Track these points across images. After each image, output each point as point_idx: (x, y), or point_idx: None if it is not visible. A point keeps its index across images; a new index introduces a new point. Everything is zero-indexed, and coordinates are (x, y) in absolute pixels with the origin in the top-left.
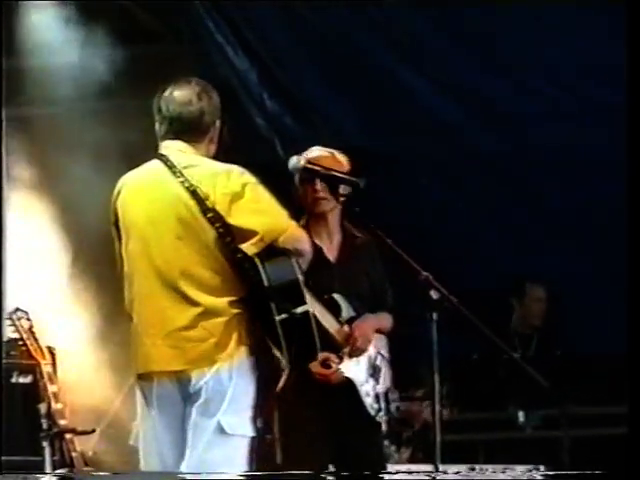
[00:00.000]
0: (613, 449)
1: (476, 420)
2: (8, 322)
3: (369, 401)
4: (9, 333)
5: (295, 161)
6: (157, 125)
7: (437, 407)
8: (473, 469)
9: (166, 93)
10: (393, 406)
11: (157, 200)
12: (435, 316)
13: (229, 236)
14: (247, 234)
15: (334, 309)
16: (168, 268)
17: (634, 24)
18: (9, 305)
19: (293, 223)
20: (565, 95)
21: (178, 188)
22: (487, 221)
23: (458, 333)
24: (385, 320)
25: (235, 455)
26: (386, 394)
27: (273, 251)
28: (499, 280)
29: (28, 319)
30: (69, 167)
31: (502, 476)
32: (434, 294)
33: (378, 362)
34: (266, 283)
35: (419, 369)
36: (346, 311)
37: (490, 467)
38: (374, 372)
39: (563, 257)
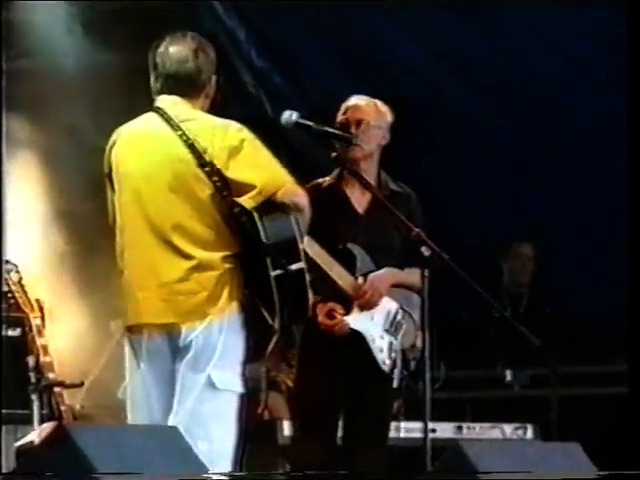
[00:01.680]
0: (601, 408)
1: (464, 378)
2: None
3: (381, 357)
4: None
5: (287, 116)
6: (152, 80)
7: (427, 364)
8: (460, 427)
9: (161, 49)
10: (412, 364)
11: (152, 152)
12: (427, 272)
13: (226, 190)
14: (245, 188)
15: (348, 260)
16: (161, 221)
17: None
18: None
19: (291, 179)
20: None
21: (175, 141)
22: (474, 182)
23: (448, 290)
24: (412, 276)
25: (225, 410)
26: (403, 351)
27: (271, 207)
28: (488, 239)
29: (17, 272)
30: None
31: (490, 434)
32: (425, 250)
33: (399, 318)
34: (263, 238)
35: None
36: (362, 263)
37: (478, 425)
38: (392, 328)
39: (552, 214)
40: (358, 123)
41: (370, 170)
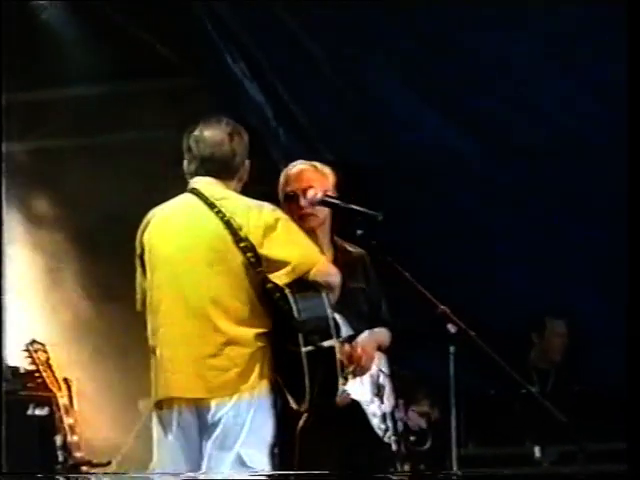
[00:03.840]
0: None
1: (493, 455)
2: (25, 354)
3: (376, 422)
4: (26, 365)
5: (312, 194)
6: (186, 163)
7: (453, 441)
8: None
9: (196, 132)
10: (400, 425)
11: (190, 228)
12: (452, 350)
13: (260, 266)
14: (279, 265)
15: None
16: (197, 296)
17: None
18: (26, 337)
19: (323, 258)
20: None
21: (212, 218)
22: (506, 255)
23: (475, 367)
24: (384, 336)
25: None
26: (392, 413)
27: (304, 285)
28: (517, 315)
29: (45, 351)
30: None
31: None
32: (451, 328)
33: (381, 380)
34: (296, 314)
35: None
36: (345, 330)
37: None
38: (378, 391)
39: (581, 291)
40: (305, 192)
41: (324, 235)
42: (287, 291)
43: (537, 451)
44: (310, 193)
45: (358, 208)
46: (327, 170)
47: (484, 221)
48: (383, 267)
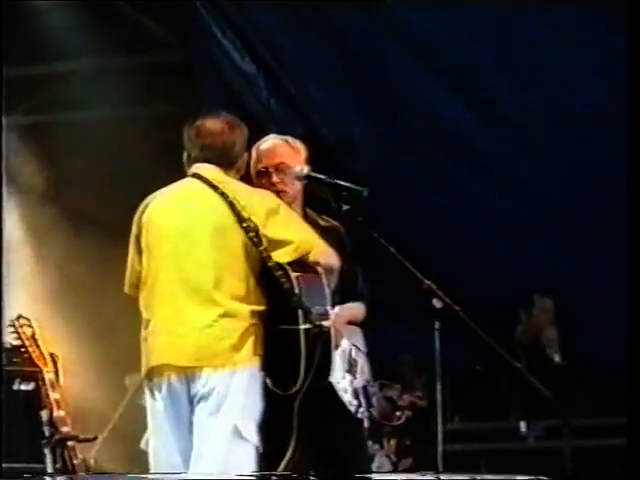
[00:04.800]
0: (615, 460)
1: (479, 430)
2: (10, 329)
3: (347, 398)
4: (11, 340)
5: (298, 170)
6: (185, 154)
7: (439, 417)
8: (474, 479)
9: (197, 123)
10: (374, 400)
11: (193, 208)
12: (438, 325)
13: (262, 245)
14: (282, 244)
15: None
16: (197, 273)
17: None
18: (11, 312)
19: (324, 242)
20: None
21: (215, 198)
22: (493, 230)
23: (461, 343)
24: (357, 310)
25: (249, 461)
26: (365, 388)
27: (304, 266)
28: (504, 290)
29: (30, 326)
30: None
31: None
32: (437, 303)
33: (354, 355)
34: (296, 290)
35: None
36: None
37: (491, 477)
38: (350, 367)
39: (569, 268)
40: (277, 168)
41: (297, 211)
42: (289, 269)
43: (523, 426)
44: (297, 169)
45: (343, 183)
46: (299, 145)
47: (472, 196)
48: (369, 242)
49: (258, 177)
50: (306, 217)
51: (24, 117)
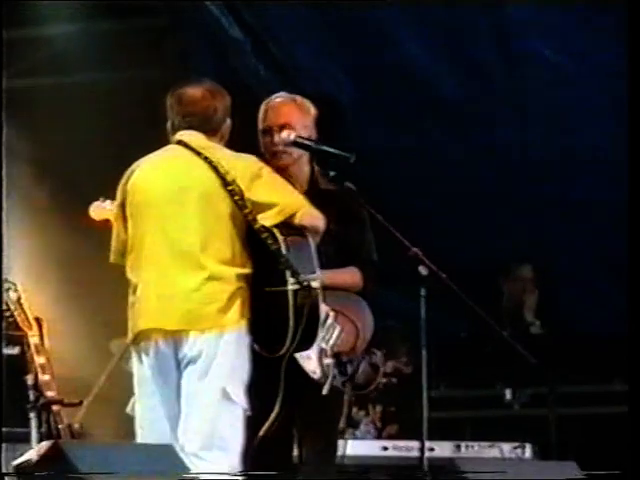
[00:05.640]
0: (600, 427)
1: (464, 397)
2: None
3: (310, 366)
4: None
5: (285, 135)
6: (169, 123)
7: (424, 384)
8: (459, 446)
9: (178, 91)
10: (348, 368)
11: (177, 174)
12: (424, 292)
13: (247, 208)
14: (267, 207)
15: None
16: (183, 237)
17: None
18: None
19: (308, 203)
20: None
21: (199, 163)
22: (479, 197)
23: (447, 310)
24: (346, 276)
25: (238, 423)
26: (337, 355)
27: (290, 228)
28: (488, 258)
29: (16, 290)
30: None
31: (488, 453)
32: (423, 270)
33: (330, 322)
34: (284, 251)
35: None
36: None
37: (476, 444)
38: (322, 333)
39: (551, 233)
40: (281, 128)
41: (300, 173)
42: (275, 231)
43: (508, 393)
44: (283, 134)
45: (330, 149)
46: (308, 104)
47: (460, 164)
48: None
49: (263, 135)
50: (311, 181)
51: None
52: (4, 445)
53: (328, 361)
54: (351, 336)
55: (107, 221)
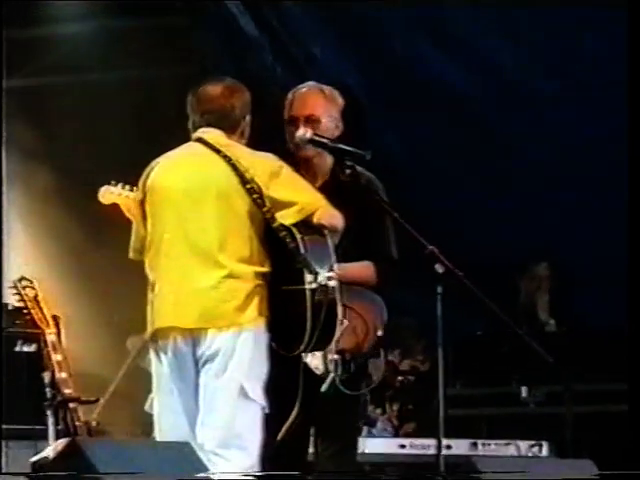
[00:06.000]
0: (616, 426)
1: (480, 395)
2: (13, 291)
3: (315, 362)
4: (14, 302)
5: (301, 133)
6: (190, 122)
7: (441, 382)
8: (475, 444)
9: (198, 90)
10: (352, 366)
11: (197, 171)
12: (440, 290)
13: (266, 207)
14: (286, 205)
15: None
16: (201, 235)
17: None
18: (14, 274)
19: (327, 202)
20: None
21: (218, 161)
22: (496, 194)
23: (463, 308)
24: (358, 269)
25: (256, 421)
26: (342, 352)
27: (308, 227)
28: (505, 256)
29: (33, 288)
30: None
31: (505, 450)
32: (439, 268)
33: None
34: (302, 250)
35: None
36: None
37: (493, 442)
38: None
39: (568, 232)
40: (307, 120)
41: (323, 164)
42: (294, 229)
43: (524, 391)
44: (299, 132)
45: (346, 147)
46: (336, 95)
47: (477, 163)
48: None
49: (288, 124)
50: (333, 174)
51: (23, 80)
52: (23, 443)
53: (333, 357)
54: (360, 333)
55: (116, 205)
